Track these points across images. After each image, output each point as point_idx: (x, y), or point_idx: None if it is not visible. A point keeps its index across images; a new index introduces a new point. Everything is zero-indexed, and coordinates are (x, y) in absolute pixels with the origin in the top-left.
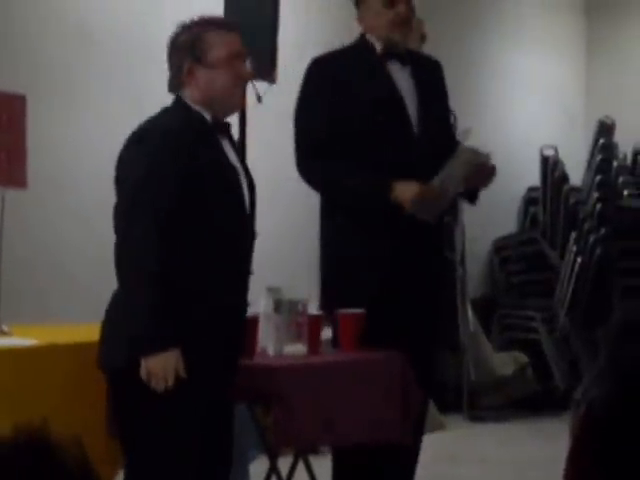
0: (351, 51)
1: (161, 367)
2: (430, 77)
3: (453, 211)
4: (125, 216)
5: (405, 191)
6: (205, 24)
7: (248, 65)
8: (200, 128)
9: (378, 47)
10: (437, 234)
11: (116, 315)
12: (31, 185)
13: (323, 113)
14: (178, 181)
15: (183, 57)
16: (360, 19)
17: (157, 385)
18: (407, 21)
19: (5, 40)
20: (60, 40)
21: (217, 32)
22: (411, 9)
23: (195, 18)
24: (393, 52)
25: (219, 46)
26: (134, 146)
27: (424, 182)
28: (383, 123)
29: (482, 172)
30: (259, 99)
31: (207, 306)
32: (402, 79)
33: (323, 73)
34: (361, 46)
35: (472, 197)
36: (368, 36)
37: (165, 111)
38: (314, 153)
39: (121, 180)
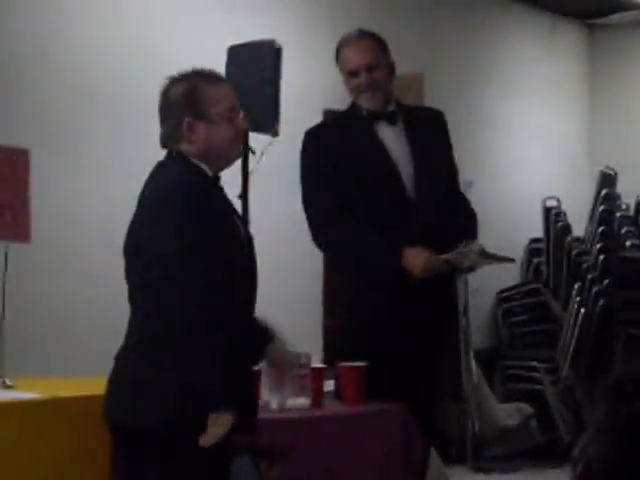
0: (342, 118)
1: (223, 426)
2: (427, 132)
3: None
4: (176, 285)
5: (415, 258)
6: (198, 77)
7: (243, 116)
8: (205, 183)
9: (365, 110)
10: (446, 285)
11: (149, 371)
12: (34, 239)
13: (325, 183)
14: (210, 239)
15: (181, 112)
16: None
17: (208, 441)
18: (369, 86)
19: (9, 94)
20: (65, 95)
21: (214, 86)
22: (379, 73)
23: (186, 71)
24: (378, 114)
25: (218, 101)
26: (162, 211)
27: (427, 247)
28: (377, 190)
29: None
30: (252, 152)
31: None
32: (392, 139)
33: (317, 146)
34: (351, 112)
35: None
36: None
37: (170, 168)
38: (323, 221)
39: (155, 248)
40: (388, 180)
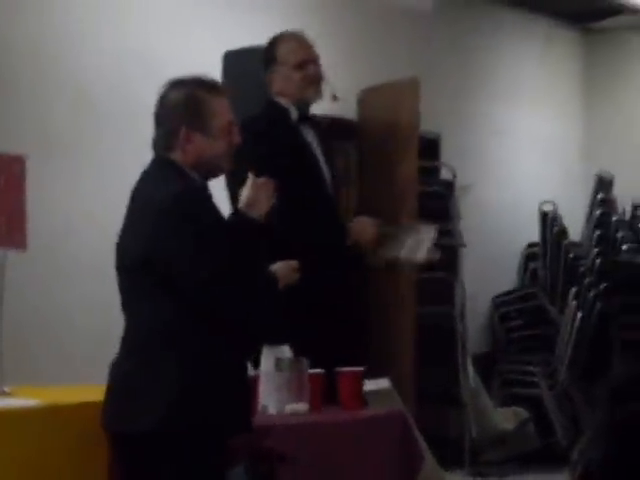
0: (268, 120)
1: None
2: (322, 138)
3: (453, 267)
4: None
5: (362, 233)
6: (201, 86)
7: (237, 130)
8: (199, 189)
9: (292, 111)
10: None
11: (143, 379)
12: (30, 247)
13: None
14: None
15: (180, 121)
16: (269, 82)
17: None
18: (318, 79)
19: (5, 100)
20: (62, 102)
21: (215, 98)
22: (321, 69)
23: (187, 76)
24: (305, 116)
25: (219, 114)
26: (175, 221)
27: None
28: (311, 189)
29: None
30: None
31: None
32: (314, 142)
33: (257, 150)
34: (275, 114)
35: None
36: (280, 101)
37: (165, 176)
38: None
39: (178, 258)
40: (320, 185)
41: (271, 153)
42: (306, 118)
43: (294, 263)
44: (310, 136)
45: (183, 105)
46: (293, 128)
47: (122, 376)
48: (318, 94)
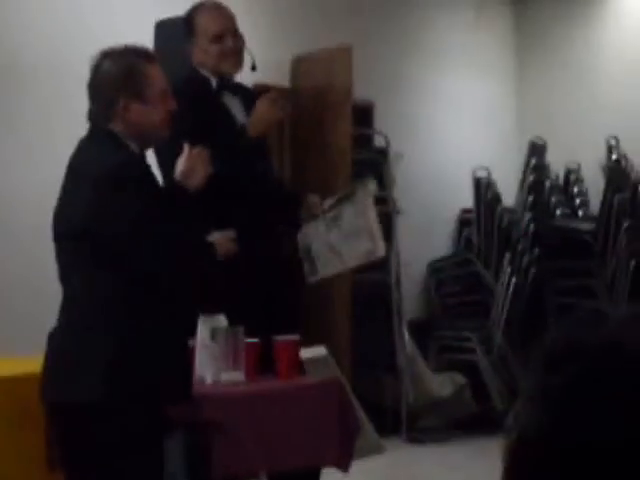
0: (188, 88)
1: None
2: (252, 106)
3: (387, 234)
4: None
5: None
6: (134, 55)
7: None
8: (136, 159)
9: (213, 81)
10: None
11: (80, 350)
12: None
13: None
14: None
15: (117, 91)
16: (190, 53)
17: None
18: (235, 52)
19: None
20: None
21: (150, 66)
22: (240, 41)
23: (119, 47)
24: (225, 84)
25: (154, 81)
26: (109, 192)
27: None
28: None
29: None
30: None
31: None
32: (236, 110)
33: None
34: (196, 81)
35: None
36: (201, 70)
37: (100, 146)
38: None
39: (112, 226)
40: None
41: (190, 122)
42: (227, 86)
43: (231, 233)
44: (234, 104)
45: (119, 75)
46: (212, 97)
47: (59, 347)
48: (235, 67)
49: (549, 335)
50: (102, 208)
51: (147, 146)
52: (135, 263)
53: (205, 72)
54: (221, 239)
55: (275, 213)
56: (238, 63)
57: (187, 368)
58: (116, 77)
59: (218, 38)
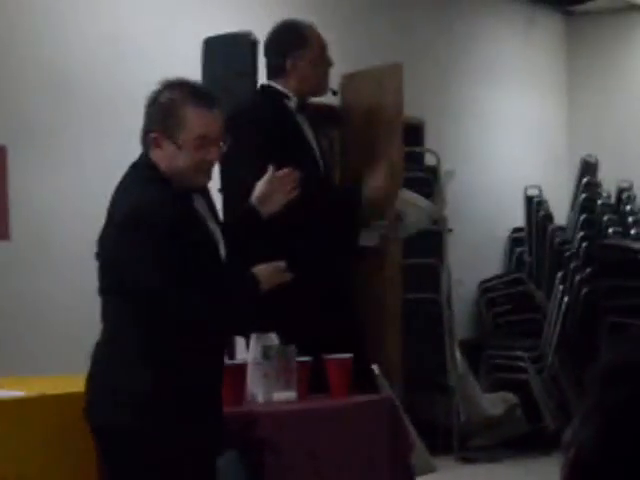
0: (267, 106)
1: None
2: (317, 128)
3: (438, 253)
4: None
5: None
6: (185, 93)
7: (223, 147)
8: (174, 196)
9: (292, 98)
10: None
11: (113, 372)
12: (12, 237)
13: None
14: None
15: (152, 123)
16: (294, 66)
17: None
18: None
19: None
20: (42, 92)
21: (195, 109)
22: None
23: (180, 81)
24: (301, 105)
25: (192, 127)
26: (130, 233)
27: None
28: (309, 177)
29: None
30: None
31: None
32: (306, 130)
33: (257, 135)
34: (274, 99)
35: None
36: (279, 86)
37: (137, 179)
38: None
39: (131, 274)
40: (316, 174)
41: (269, 142)
42: (302, 107)
43: (280, 264)
44: (305, 125)
45: (159, 108)
46: (291, 116)
47: (97, 365)
48: (327, 87)
49: (606, 353)
50: (120, 250)
51: (183, 188)
52: (162, 314)
53: (283, 89)
54: (266, 270)
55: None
56: (327, 85)
57: (219, 417)
58: (154, 109)
59: (325, 55)
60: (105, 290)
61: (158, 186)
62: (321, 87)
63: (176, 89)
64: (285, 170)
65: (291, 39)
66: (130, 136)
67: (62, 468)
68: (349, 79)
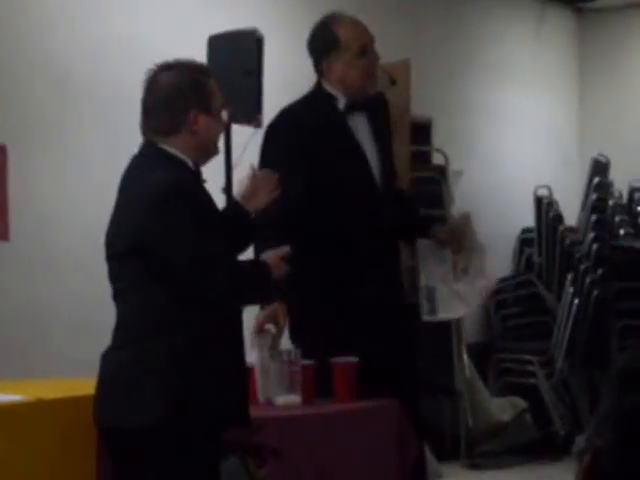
0: (311, 105)
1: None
2: (381, 117)
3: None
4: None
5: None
6: (195, 69)
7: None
8: (192, 177)
9: (341, 99)
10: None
11: (137, 371)
12: (13, 237)
13: (296, 177)
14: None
15: (188, 103)
16: (329, 68)
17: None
18: (375, 68)
19: None
20: (44, 89)
21: (210, 80)
22: (376, 57)
23: (177, 61)
24: (355, 104)
25: (218, 95)
26: (165, 209)
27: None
28: (349, 181)
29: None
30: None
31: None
32: (362, 130)
33: (288, 133)
34: (321, 98)
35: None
36: (327, 86)
37: (152, 163)
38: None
39: (167, 245)
40: (362, 175)
41: (310, 142)
42: (355, 106)
43: (285, 251)
44: (360, 124)
45: (187, 87)
46: (337, 117)
47: (114, 369)
48: (376, 84)
49: (622, 357)
50: (157, 225)
51: (204, 161)
52: (190, 285)
53: (331, 89)
54: (274, 257)
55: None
56: (376, 80)
57: (246, 392)
58: (184, 89)
59: (364, 52)
60: (123, 277)
61: (179, 166)
62: (364, 84)
63: (183, 68)
64: (265, 170)
65: (324, 41)
66: (134, 134)
67: (60, 472)
68: None
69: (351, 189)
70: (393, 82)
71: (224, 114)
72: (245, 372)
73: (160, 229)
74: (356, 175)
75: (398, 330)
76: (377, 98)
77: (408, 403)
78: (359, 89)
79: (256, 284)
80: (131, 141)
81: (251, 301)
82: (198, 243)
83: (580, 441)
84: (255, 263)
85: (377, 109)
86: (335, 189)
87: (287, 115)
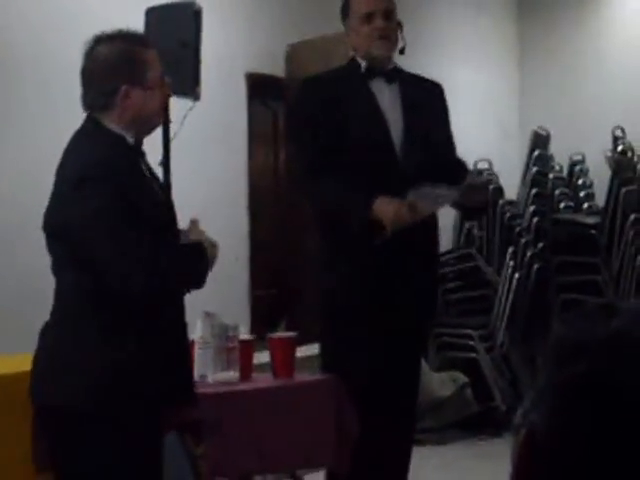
0: (339, 72)
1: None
2: (424, 98)
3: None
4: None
5: (385, 208)
6: (131, 40)
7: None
8: (125, 154)
9: (363, 66)
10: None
11: (72, 349)
12: None
13: (314, 134)
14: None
15: (118, 77)
16: (347, 33)
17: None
18: (386, 35)
19: None
20: None
21: (148, 50)
22: (393, 23)
23: (113, 31)
24: (377, 69)
25: (153, 66)
26: (77, 192)
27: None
28: (364, 142)
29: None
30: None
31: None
32: (387, 97)
33: (312, 95)
34: (349, 67)
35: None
36: (356, 56)
37: (86, 139)
38: (308, 176)
39: (78, 230)
40: (378, 139)
41: (328, 103)
42: (379, 72)
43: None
44: (385, 92)
45: (119, 60)
46: (359, 82)
47: (48, 346)
48: (384, 49)
49: (559, 329)
50: (75, 209)
51: (143, 134)
52: (108, 285)
53: (358, 57)
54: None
55: None
56: (388, 45)
57: (188, 369)
58: (115, 63)
59: (368, 18)
60: (55, 255)
61: (114, 142)
62: (371, 51)
63: (118, 40)
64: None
65: (342, 6)
66: (78, 103)
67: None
68: (294, 50)
69: (365, 151)
70: (401, 51)
71: (166, 84)
72: (187, 349)
73: (78, 214)
74: (372, 138)
75: (410, 350)
76: (427, 83)
77: (406, 422)
78: (368, 53)
79: (187, 269)
80: (76, 110)
81: (184, 286)
82: (116, 232)
83: (517, 416)
84: (185, 246)
85: (418, 90)
86: (349, 151)
87: (319, 77)
